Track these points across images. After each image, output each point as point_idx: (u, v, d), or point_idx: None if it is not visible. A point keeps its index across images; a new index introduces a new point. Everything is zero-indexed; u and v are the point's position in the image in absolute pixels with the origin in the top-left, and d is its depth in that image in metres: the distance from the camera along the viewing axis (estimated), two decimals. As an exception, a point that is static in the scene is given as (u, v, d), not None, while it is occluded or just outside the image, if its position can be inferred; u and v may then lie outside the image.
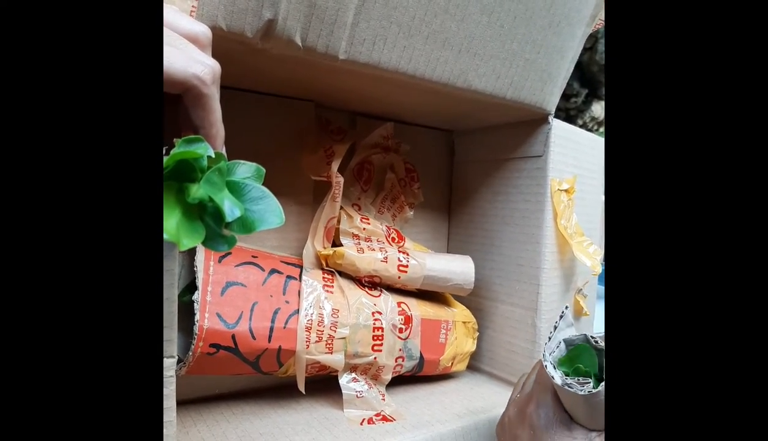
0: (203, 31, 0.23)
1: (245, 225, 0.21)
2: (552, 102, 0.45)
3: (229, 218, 0.20)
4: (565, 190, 0.47)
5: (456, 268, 0.46)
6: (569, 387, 0.27)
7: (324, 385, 0.43)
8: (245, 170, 0.22)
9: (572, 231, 0.48)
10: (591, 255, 0.48)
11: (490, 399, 0.46)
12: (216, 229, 0.21)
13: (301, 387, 0.39)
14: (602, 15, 0.45)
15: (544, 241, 0.46)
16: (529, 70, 0.41)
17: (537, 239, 0.47)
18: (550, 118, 0.46)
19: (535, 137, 0.47)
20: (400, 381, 0.46)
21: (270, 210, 0.21)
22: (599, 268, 0.49)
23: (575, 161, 0.49)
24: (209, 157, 0.21)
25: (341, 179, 0.40)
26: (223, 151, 0.25)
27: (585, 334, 0.30)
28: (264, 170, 0.22)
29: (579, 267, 0.51)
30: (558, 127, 0.46)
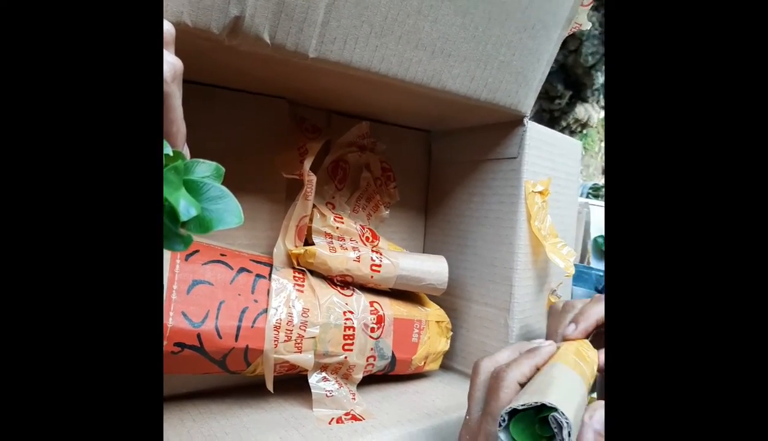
0: (166, 28, 0.23)
1: (202, 224, 0.20)
2: (527, 104, 0.45)
3: (184, 218, 0.19)
4: (540, 192, 0.48)
5: (430, 267, 0.47)
6: None
7: (294, 384, 0.43)
8: (204, 169, 0.21)
9: (546, 232, 0.48)
10: (564, 256, 0.49)
11: (462, 398, 0.46)
12: (172, 228, 0.20)
13: (270, 386, 0.38)
14: (578, 18, 0.45)
15: (518, 242, 0.46)
16: (503, 73, 0.41)
17: (510, 240, 0.47)
18: (525, 120, 0.46)
19: (510, 139, 0.47)
20: (372, 380, 0.46)
21: (228, 210, 0.21)
22: (572, 269, 0.49)
23: (550, 163, 0.50)
24: (167, 155, 0.20)
25: (313, 178, 0.40)
26: (185, 150, 0.25)
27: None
28: (224, 169, 0.21)
29: (552, 268, 0.51)
30: (533, 130, 0.47)
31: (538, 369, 0.31)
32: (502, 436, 0.26)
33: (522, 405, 0.26)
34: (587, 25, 0.46)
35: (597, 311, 0.36)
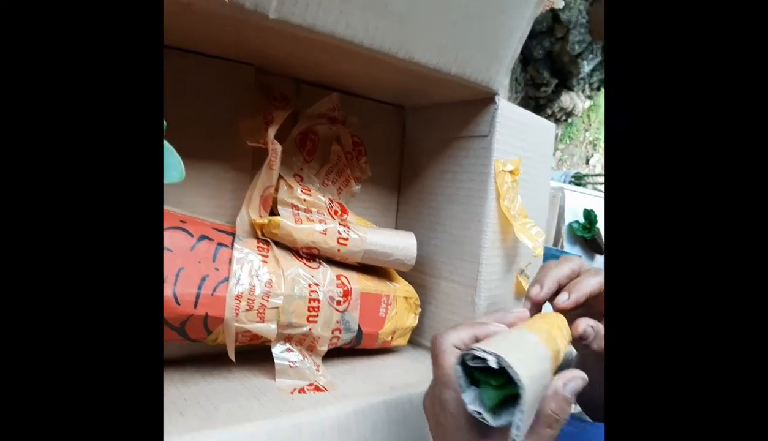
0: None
1: (141, 178, 0.20)
2: (498, 82, 0.45)
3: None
4: (510, 172, 0.48)
5: (398, 243, 0.47)
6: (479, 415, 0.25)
7: (259, 355, 0.43)
8: (146, 123, 0.21)
9: (516, 212, 0.49)
10: (533, 236, 0.49)
11: (427, 373, 0.46)
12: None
13: (231, 355, 0.38)
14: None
15: (486, 220, 0.47)
16: (474, 47, 0.41)
17: (479, 218, 0.47)
18: (497, 98, 0.46)
19: (481, 117, 0.47)
20: (340, 354, 0.46)
21: (169, 164, 0.20)
22: (540, 250, 0.50)
23: (522, 143, 0.50)
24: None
25: (278, 147, 0.40)
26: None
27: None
28: (165, 123, 0.21)
29: (522, 248, 0.52)
30: (505, 108, 0.47)
31: (478, 339, 0.30)
32: (480, 412, 0.25)
33: (470, 361, 0.25)
34: (560, 3, 0.45)
35: (591, 284, 0.36)
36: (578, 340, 0.34)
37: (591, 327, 0.33)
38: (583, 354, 0.43)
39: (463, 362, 0.26)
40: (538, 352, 0.27)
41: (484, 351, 0.24)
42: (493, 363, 0.24)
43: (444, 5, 0.37)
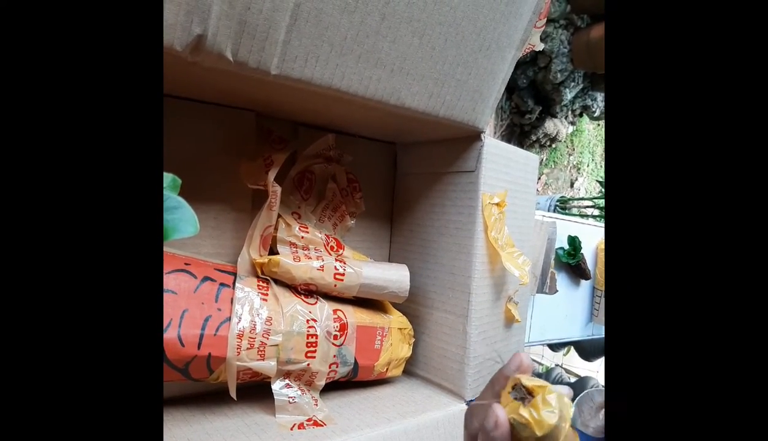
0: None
1: (159, 234, 0.21)
2: (484, 121, 0.48)
3: (141, 227, 0.21)
4: (496, 204, 0.50)
5: (391, 276, 0.48)
6: None
7: (259, 390, 0.44)
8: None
9: (503, 242, 0.51)
10: (520, 265, 0.51)
11: (422, 403, 0.48)
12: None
13: (233, 393, 0.39)
14: (531, 39, 0.48)
15: (475, 251, 0.48)
16: (460, 91, 0.43)
17: (468, 250, 0.49)
18: (483, 135, 0.49)
19: (468, 153, 0.49)
20: (336, 386, 0.47)
21: (185, 219, 0.22)
22: (527, 278, 0.52)
23: (507, 176, 0.52)
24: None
25: (278, 188, 0.41)
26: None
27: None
28: (180, 181, 0.23)
29: (509, 276, 0.54)
30: (490, 144, 0.49)
31: None
32: None
33: None
34: (540, 46, 0.48)
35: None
36: None
37: None
38: None
39: None
40: None
41: None
42: None
43: (432, 55, 0.40)
